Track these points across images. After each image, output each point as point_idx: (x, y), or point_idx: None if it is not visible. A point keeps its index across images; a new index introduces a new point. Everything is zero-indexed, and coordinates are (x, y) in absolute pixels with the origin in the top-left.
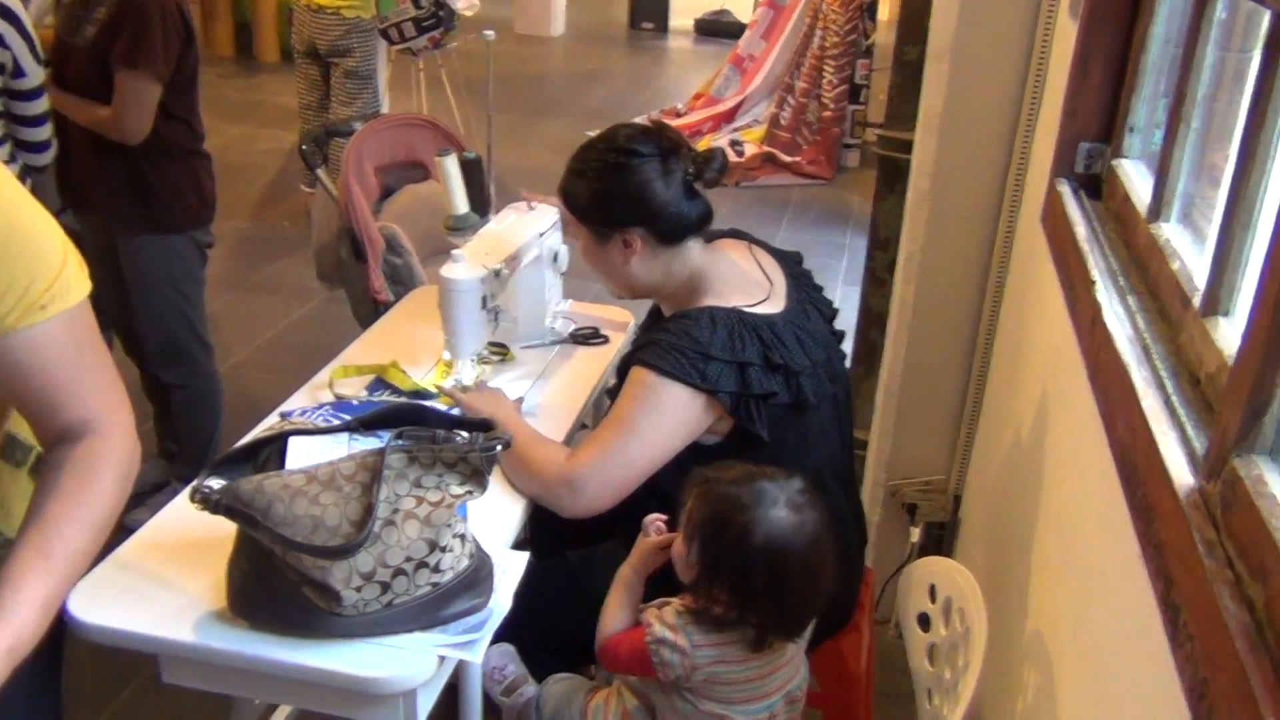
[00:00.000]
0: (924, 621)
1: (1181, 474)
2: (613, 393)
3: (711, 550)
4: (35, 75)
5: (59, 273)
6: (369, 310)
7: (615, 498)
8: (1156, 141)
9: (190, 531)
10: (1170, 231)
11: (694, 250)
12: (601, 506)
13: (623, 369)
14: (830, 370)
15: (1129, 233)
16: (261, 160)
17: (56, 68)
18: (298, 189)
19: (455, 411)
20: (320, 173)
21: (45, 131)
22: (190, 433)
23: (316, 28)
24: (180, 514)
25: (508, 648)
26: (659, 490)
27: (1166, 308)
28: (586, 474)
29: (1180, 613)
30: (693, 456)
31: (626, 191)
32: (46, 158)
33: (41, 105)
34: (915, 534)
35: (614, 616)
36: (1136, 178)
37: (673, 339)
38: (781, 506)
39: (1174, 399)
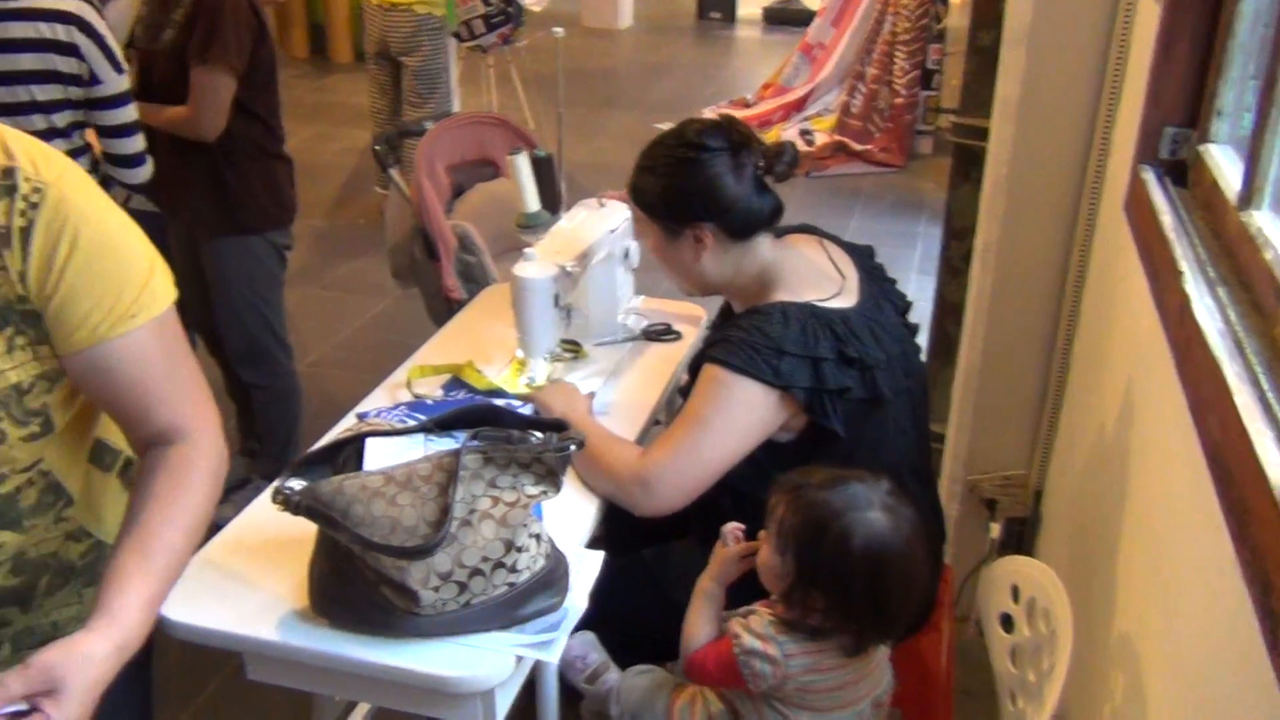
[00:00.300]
0: (1006, 622)
1: (1279, 474)
2: (685, 390)
3: (807, 559)
4: (114, 83)
5: (146, 281)
6: (443, 308)
7: (689, 496)
8: (1246, 126)
9: (273, 531)
10: (1262, 220)
11: (765, 245)
12: (675, 505)
13: (695, 366)
14: (905, 364)
15: (1218, 221)
16: (336, 160)
17: (143, 77)
18: (371, 188)
19: (529, 411)
20: (393, 173)
21: (134, 144)
22: (271, 431)
23: (387, 25)
24: (263, 513)
25: (589, 636)
26: (733, 488)
27: (1259, 300)
28: (660, 473)
29: (1279, 620)
30: (767, 454)
31: (697, 187)
32: (140, 174)
33: (126, 114)
34: (995, 530)
35: (698, 629)
36: (1225, 163)
37: (745, 335)
38: (875, 509)
39: (1269, 395)
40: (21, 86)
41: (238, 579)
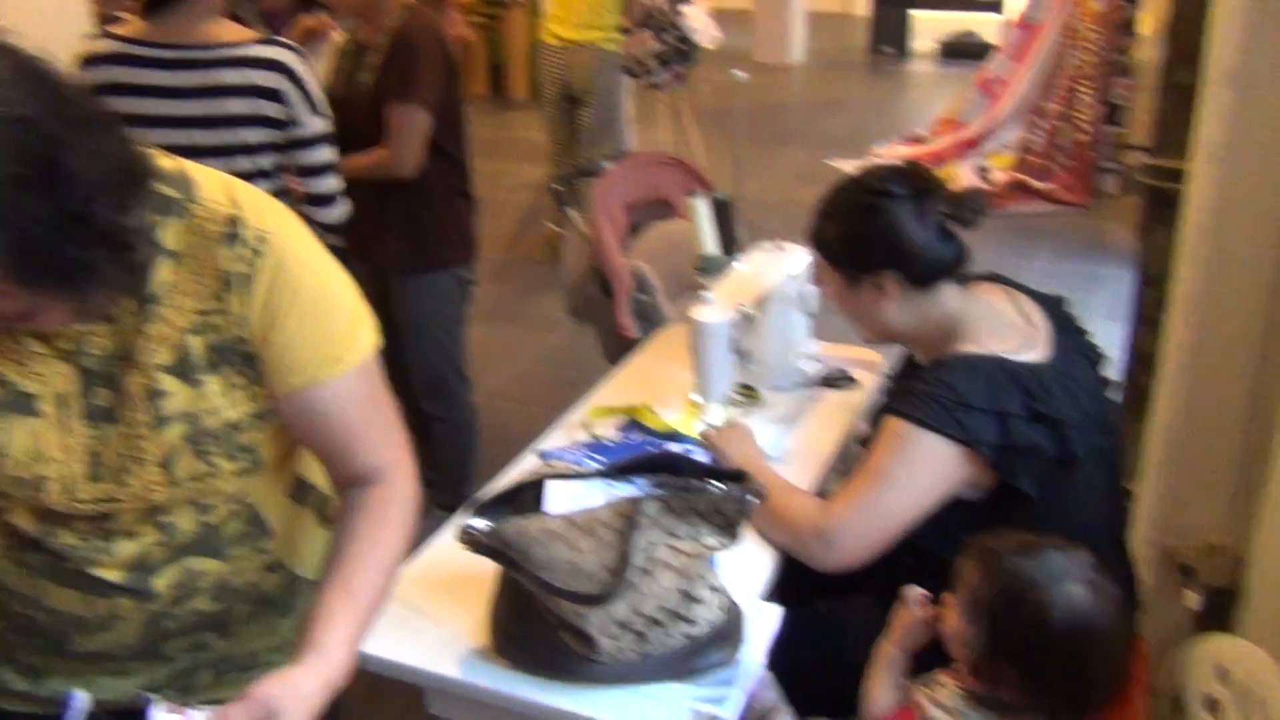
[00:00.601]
0: (1211, 706)
1: None
2: (864, 441)
3: (1001, 631)
4: (313, 126)
5: (354, 327)
6: (617, 347)
7: (870, 553)
8: None
9: (455, 566)
10: None
11: (949, 294)
12: (856, 562)
13: (876, 418)
14: (1100, 422)
15: None
16: (513, 195)
17: (341, 126)
18: (545, 224)
19: (706, 457)
20: (571, 212)
21: (330, 183)
22: (449, 462)
23: (565, 63)
24: (445, 548)
25: (765, 674)
26: (916, 545)
27: None
28: (840, 527)
29: None
30: (953, 512)
31: (878, 234)
32: (335, 214)
33: (323, 155)
34: (1194, 600)
35: (880, 695)
36: None
37: (928, 388)
38: (1075, 581)
39: None
40: (230, 130)
41: (422, 613)
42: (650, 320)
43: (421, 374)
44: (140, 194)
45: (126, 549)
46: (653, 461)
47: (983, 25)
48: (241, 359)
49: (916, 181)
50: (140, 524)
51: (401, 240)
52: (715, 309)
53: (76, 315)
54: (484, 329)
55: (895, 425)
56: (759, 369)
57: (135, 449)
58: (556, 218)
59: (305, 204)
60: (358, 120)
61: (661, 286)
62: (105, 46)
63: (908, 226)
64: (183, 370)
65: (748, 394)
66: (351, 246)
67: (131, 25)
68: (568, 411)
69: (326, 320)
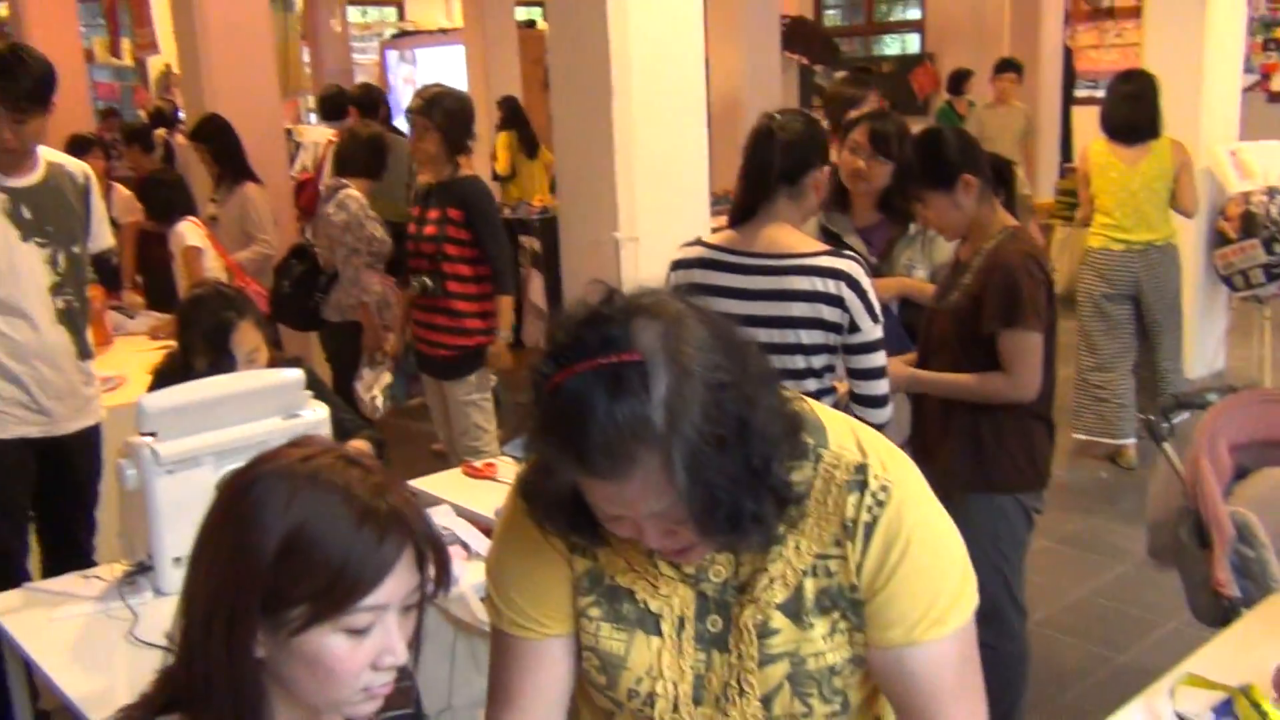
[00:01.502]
0: None
1: None
2: None
3: None
4: (870, 332)
5: (960, 589)
6: (1208, 603)
7: None
8: None
9: None
10: None
11: None
12: None
13: None
14: None
15: None
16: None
17: (924, 336)
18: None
19: None
20: (1166, 445)
21: (882, 386)
22: (994, 696)
23: (1138, 265)
24: None
25: None
26: None
27: None
28: None
29: None
30: None
31: None
32: (883, 415)
33: (877, 360)
34: None
35: None
36: None
37: None
38: None
39: None
40: (791, 330)
41: None
42: (1253, 579)
43: None
44: (798, 446)
45: None
46: None
47: None
48: (849, 605)
49: None
50: None
51: (963, 455)
52: None
53: (720, 550)
54: (1038, 548)
55: None
56: None
57: (740, 680)
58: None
59: (854, 404)
60: (937, 334)
61: (1270, 543)
62: (695, 252)
63: None
64: (794, 610)
65: None
66: (913, 451)
67: (721, 234)
68: (1157, 685)
69: (936, 580)
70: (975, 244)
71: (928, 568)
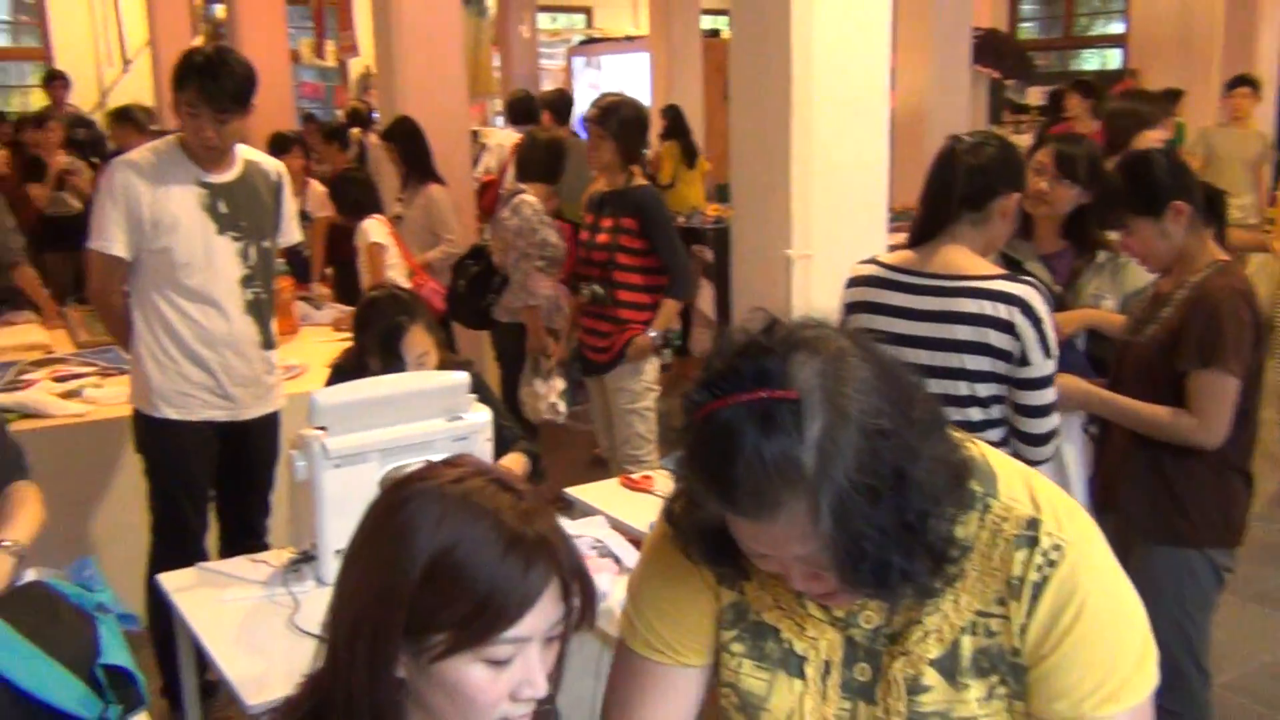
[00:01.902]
0: None
1: None
2: None
3: None
4: (1042, 367)
5: (1140, 664)
6: None
7: None
8: None
9: None
10: None
11: None
12: None
13: None
14: None
15: None
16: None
17: (1117, 366)
18: None
19: None
20: None
21: (1049, 424)
22: None
23: None
24: None
25: None
26: None
27: None
28: None
29: None
30: None
31: None
32: (1045, 453)
33: (1046, 397)
34: None
35: None
36: None
37: None
38: None
39: None
40: (955, 354)
41: None
42: None
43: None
44: (964, 496)
45: None
46: None
47: None
48: (1009, 670)
49: None
50: None
51: (1149, 502)
52: None
53: (871, 598)
54: (1228, 605)
55: None
56: None
57: None
58: None
59: (1017, 440)
60: (1130, 367)
61: None
62: (868, 270)
63: None
64: (949, 668)
65: None
66: (1093, 491)
67: (898, 254)
68: None
69: (1112, 651)
70: (1179, 276)
71: (1102, 637)
